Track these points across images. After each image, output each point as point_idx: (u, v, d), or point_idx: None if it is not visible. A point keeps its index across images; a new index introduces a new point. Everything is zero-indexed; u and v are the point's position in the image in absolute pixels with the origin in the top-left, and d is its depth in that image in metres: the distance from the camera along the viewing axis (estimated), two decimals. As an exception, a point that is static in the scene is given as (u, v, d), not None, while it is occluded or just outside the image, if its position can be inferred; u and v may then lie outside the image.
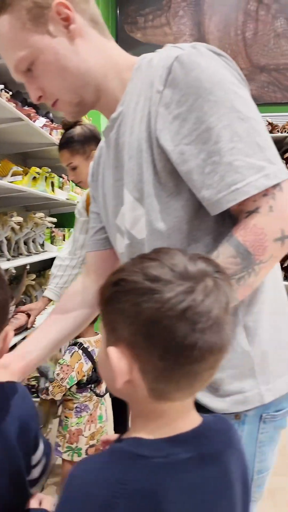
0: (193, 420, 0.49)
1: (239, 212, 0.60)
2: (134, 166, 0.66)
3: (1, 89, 1.63)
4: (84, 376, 1.66)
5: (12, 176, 1.84)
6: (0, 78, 1.93)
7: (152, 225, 0.66)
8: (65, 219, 3.12)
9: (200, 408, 0.63)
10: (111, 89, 0.70)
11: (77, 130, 1.56)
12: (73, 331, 0.88)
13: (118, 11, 3.81)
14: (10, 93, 1.75)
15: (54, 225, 2.50)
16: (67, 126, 1.59)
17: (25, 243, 2.29)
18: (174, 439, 0.45)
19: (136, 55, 0.72)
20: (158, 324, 0.40)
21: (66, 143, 1.57)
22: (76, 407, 1.70)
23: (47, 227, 2.43)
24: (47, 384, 1.65)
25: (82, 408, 1.72)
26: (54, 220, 2.34)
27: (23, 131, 1.98)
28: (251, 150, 0.57)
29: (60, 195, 2.45)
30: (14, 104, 1.74)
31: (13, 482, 0.55)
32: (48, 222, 2.23)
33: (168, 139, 0.60)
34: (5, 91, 1.67)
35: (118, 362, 0.43)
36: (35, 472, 0.63)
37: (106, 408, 2.16)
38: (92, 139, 1.56)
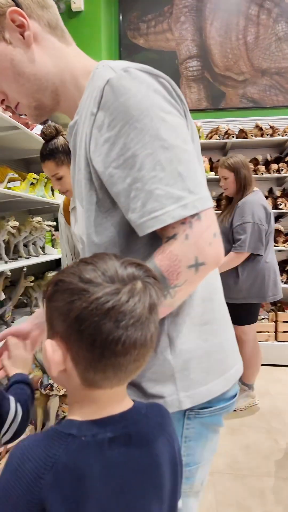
0: (125, 406, 0.54)
1: (162, 236, 0.62)
2: (81, 179, 0.68)
3: (-3, 100, 1.70)
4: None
5: (9, 182, 1.92)
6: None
7: (90, 238, 0.68)
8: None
9: None
10: (70, 94, 0.71)
11: (60, 140, 1.52)
12: None
13: (121, 18, 3.88)
14: (7, 102, 1.82)
15: (54, 229, 2.57)
16: (49, 137, 1.54)
17: (26, 246, 2.37)
18: (102, 420, 0.51)
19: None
20: (86, 321, 0.46)
21: (50, 154, 1.51)
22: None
23: (48, 231, 2.50)
24: (51, 381, 1.69)
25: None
26: (53, 224, 2.41)
27: (21, 138, 2.06)
28: (172, 180, 0.58)
29: (60, 199, 2.52)
30: (11, 113, 1.82)
31: None
32: (47, 226, 2.29)
33: (99, 161, 0.62)
34: (2, 101, 1.74)
35: (53, 353, 0.50)
36: (7, 436, 0.70)
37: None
38: None
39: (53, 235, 2.65)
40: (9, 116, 1.74)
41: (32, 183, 2.10)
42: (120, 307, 0.46)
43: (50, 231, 2.56)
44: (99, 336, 0.46)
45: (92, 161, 0.63)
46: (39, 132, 2.12)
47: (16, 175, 1.92)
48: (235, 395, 0.75)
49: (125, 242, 0.67)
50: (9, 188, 1.92)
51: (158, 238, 0.64)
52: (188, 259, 0.58)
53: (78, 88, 0.71)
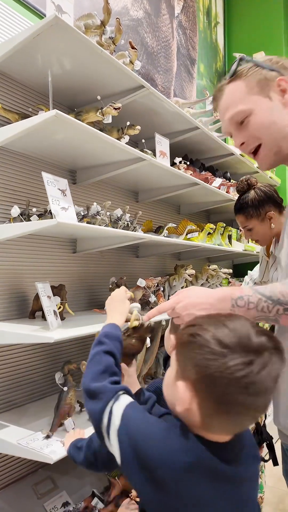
0: None
1: None
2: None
3: (180, 161, 1.91)
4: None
5: (188, 233, 2.07)
6: (180, 151, 2.27)
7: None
8: (244, 269, 3.16)
9: None
10: None
11: (251, 195, 1.57)
12: None
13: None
14: (188, 163, 2.02)
15: (230, 276, 2.58)
16: (241, 192, 1.62)
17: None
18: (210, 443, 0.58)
19: None
20: (220, 380, 0.53)
21: (240, 209, 1.59)
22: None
23: (224, 278, 2.54)
24: None
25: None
26: (229, 271, 2.43)
27: (201, 193, 2.21)
28: None
29: (237, 247, 2.53)
30: (192, 172, 2.00)
31: None
32: (223, 273, 2.33)
33: None
34: (184, 163, 1.94)
35: (183, 393, 0.57)
36: None
37: (265, 477, 1.97)
38: (267, 201, 1.55)
39: (229, 282, 2.66)
40: (190, 175, 1.92)
41: (209, 233, 2.21)
42: (252, 378, 0.52)
43: (226, 278, 2.58)
44: (228, 396, 0.53)
45: None
46: (217, 185, 2.24)
47: (194, 227, 2.06)
48: None
49: None
50: (188, 239, 2.08)
51: None
52: None
53: None
